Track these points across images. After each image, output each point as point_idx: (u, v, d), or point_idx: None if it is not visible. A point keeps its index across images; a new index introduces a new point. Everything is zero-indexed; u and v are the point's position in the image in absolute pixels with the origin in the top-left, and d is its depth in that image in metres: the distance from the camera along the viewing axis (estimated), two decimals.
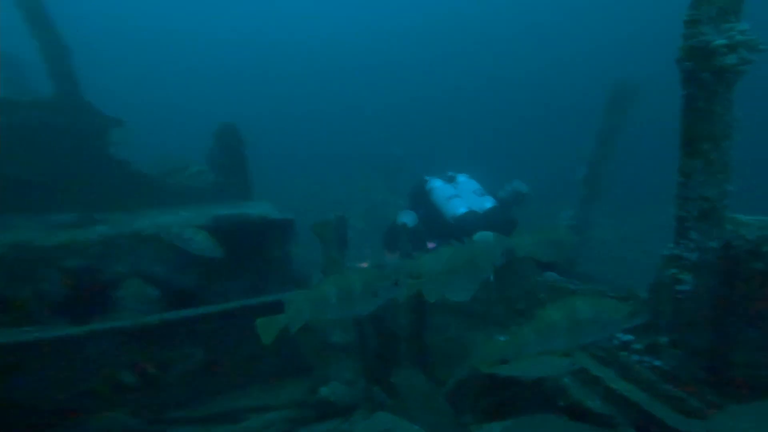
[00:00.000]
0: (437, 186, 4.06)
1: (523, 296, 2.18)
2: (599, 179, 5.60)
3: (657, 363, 1.47)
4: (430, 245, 3.91)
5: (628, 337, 1.61)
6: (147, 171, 4.61)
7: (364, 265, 3.77)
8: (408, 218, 4.04)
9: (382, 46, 25.51)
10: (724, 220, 1.36)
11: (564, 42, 21.99)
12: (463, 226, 3.75)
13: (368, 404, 3.11)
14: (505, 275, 2.30)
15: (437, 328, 2.87)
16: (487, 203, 3.94)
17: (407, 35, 25.68)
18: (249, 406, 3.23)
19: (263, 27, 27.93)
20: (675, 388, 1.34)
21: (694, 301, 1.42)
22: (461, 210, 3.83)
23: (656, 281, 1.54)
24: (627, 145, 5.59)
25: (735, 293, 1.40)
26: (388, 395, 3.10)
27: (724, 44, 1.26)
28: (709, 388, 1.38)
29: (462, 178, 4.14)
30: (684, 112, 1.38)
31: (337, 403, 3.09)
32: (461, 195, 3.96)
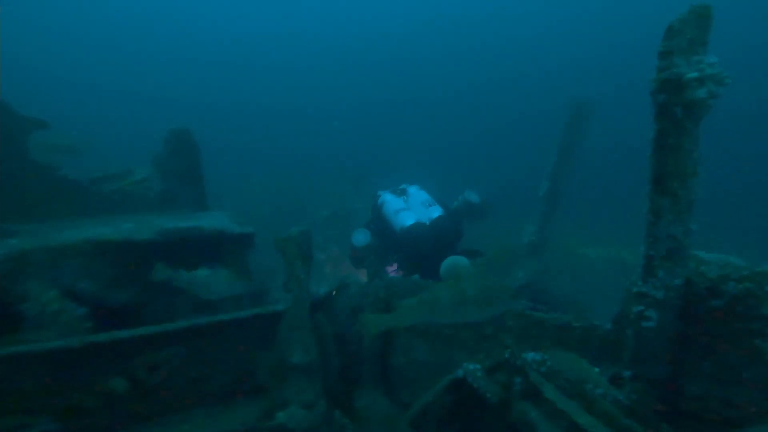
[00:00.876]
0: (387, 200, 4.13)
1: (491, 322, 2.17)
2: (559, 195, 5.84)
3: (619, 397, 1.50)
4: (391, 269, 3.91)
5: (595, 370, 1.63)
6: (78, 177, 4.17)
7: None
8: (360, 237, 4.06)
9: (353, 48, 25.37)
10: (688, 259, 1.42)
11: (528, 57, 22.99)
12: (410, 237, 3.81)
13: (328, 429, 2.97)
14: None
15: (403, 349, 2.81)
16: (435, 213, 3.98)
17: (376, 40, 25.74)
18: None
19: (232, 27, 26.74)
20: (635, 423, 1.36)
21: (657, 337, 1.46)
22: (408, 222, 3.90)
23: (620, 314, 1.57)
24: (588, 161, 5.86)
25: (694, 329, 1.45)
26: (349, 419, 2.98)
27: (695, 77, 1.30)
28: (664, 420, 1.42)
29: (412, 190, 4.20)
30: (655, 149, 1.42)
31: (296, 429, 2.93)
32: (410, 207, 4.03)
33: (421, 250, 3.76)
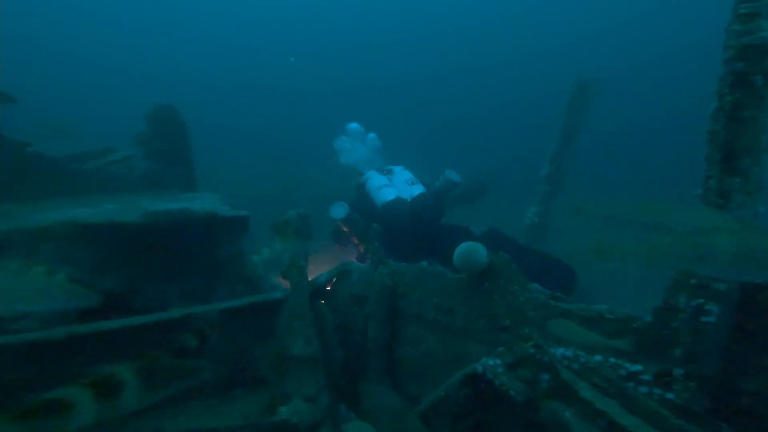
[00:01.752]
0: (371, 176, 4.20)
1: (510, 313, 2.04)
2: (561, 176, 5.72)
3: (669, 396, 1.39)
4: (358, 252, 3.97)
5: (637, 367, 1.52)
6: (54, 155, 3.87)
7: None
8: (338, 210, 4.07)
9: (347, 24, 24.49)
10: None
11: (529, 37, 22.53)
12: (390, 212, 3.88)
13: (332, 422, 2.87)
14: (489, 289, 2.15)
15: (410, 340, 2.68)
16: (417, 191, 4.05)
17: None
18: (189, 429, 2.83)
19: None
20: (688, 422, 1.26)
21: (716, 332, 1.34)
22: (389, 197, 3.97)
23: (664, 306, 1.46)
24: (589, 142, 5.74)
25: (752, 321, 1.34)
26: (354, 413, 2.88)
27: None
28: (719, 418, 1.32)
29: (397, 169, 4.29)
30: (726, 123, 1.26)
31: (300, 424, 2.81)
32: (393, 184, 4.12)
33: (401, 226, 3.79)
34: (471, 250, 2.08)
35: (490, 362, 1.83)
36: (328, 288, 3.36)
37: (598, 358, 1.70)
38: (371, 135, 4.74)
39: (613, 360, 1.69)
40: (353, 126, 5.01)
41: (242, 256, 4.02)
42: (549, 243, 6.09)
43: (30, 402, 1.32)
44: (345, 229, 4.19)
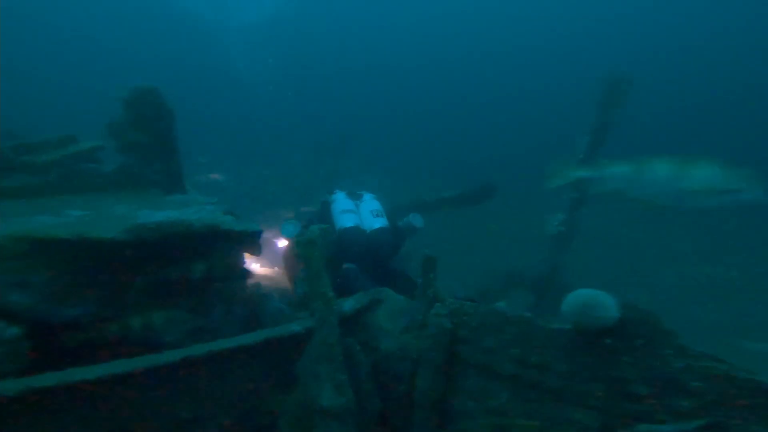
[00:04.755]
0: (338, 198, 4.29)
1: (651, 381, 1.64)
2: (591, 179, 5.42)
3: None
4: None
5: None
6: None
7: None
8: (289, 229, 4.19)
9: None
10: None
11: (551, 37, 22.37)
12: (346, 239, 3.91)
13: None
14: (613, 347, 1.74)
15: (473, 394, 2.25)
16: (377, 224, 4.08)
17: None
18: None
19: None
20: None
21: None
22: (348, 224, 4.02)
23: None
24: (620, 141, 5.48)
25: None
26: None
27: None
28: None
29: (367, 197, 4.35)
30: None
31: None
32: (357, 212, 4.17)
33: (353, 255, 3.82)
34: (594, 301, 1.66)
35: None
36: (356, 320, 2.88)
37: None
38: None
39: None
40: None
41: (241, 272, 3.46)
42: (575, 254, 5.85)
43: None
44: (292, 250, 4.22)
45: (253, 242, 2.93)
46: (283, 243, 4.91)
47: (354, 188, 4.51)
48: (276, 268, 5.39)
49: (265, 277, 5.17)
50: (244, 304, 3.39)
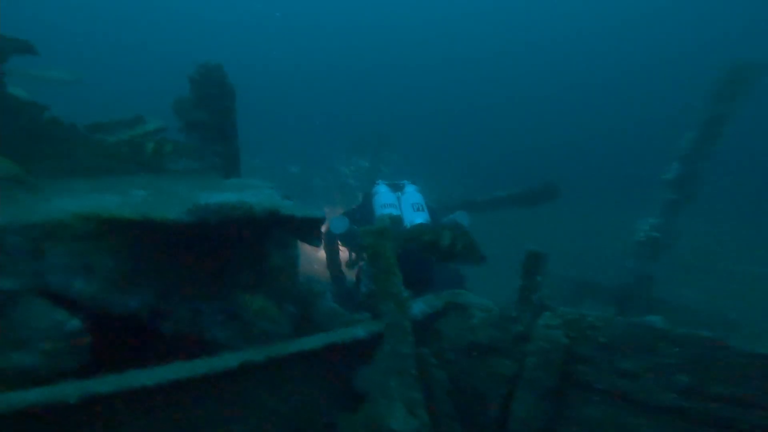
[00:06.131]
0: (380, 191, 4.23)
1: None
2: (695, 179, 4.73)
3: None
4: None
5: None
6: (71, 121, 3.20)
7: None
8: (339, 224, 4.11)
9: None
10: None
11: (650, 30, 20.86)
12: None
13: None
14: None
15: (596, 427, 1.87)
16: (418, 219, 3.94)
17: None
18: None
19: None
20: None
21: None
22: None
23: None
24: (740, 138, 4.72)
25: None
26: None
27: None
28: None
29: (409, 189, 4.26)
30: None
31: None
32: (397, 205, 4.10)
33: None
34: None
35: None
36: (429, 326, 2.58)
37: None
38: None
39: None
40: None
41: (295, 266, 3.28)
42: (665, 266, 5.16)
43: None
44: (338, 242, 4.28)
45: (314, 230, 2.71)
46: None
47: (396, 179, 4.44)
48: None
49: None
50: (297, 303, 3.22)
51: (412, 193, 4.18)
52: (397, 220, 2.55)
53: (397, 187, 4.27)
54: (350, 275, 4.49)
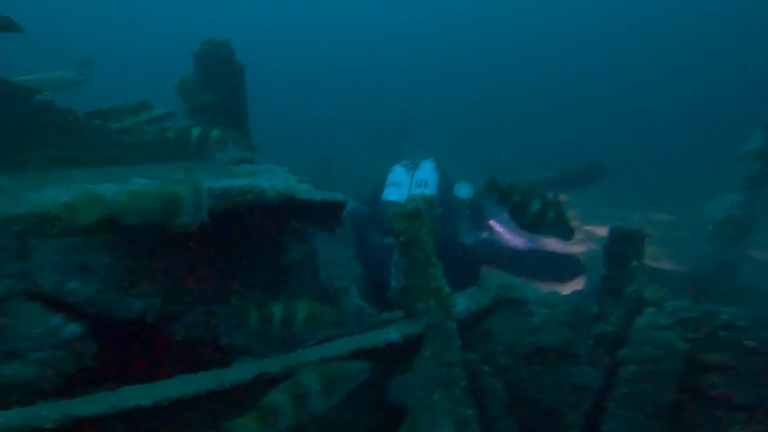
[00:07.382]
0: (394, 170, 4.22)
1: None
2: None
3: None
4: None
5: None
6: (71, 108, 3.00)
7: None
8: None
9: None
10: None
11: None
12: (382, 212, 3.79)
13: None
14: None
15: None
16: (392, 197, 3.92)
17: None
18: None
19: None
20: None
21: None
22: (390, 197, 3.98)
23: None
24: None
25: None
26: None
27: None
28: None
29: (424, 165, 4.15)
30: None
31: None
32: (403, 183, 4.06)
33: (385, 230, 3.68)
34: None
35: None
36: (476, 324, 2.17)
37: None
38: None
39: None
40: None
41: (314, 259, 2.96)
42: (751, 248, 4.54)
43: None
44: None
45: (335, 216, 2.35)
46: None
47: (417, 157, 4.31)
48: None
49: None
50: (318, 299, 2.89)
51: (423, 170, 4.08)
52: (433, 201, 2.15)
53: (413, 166, 4.16)
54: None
